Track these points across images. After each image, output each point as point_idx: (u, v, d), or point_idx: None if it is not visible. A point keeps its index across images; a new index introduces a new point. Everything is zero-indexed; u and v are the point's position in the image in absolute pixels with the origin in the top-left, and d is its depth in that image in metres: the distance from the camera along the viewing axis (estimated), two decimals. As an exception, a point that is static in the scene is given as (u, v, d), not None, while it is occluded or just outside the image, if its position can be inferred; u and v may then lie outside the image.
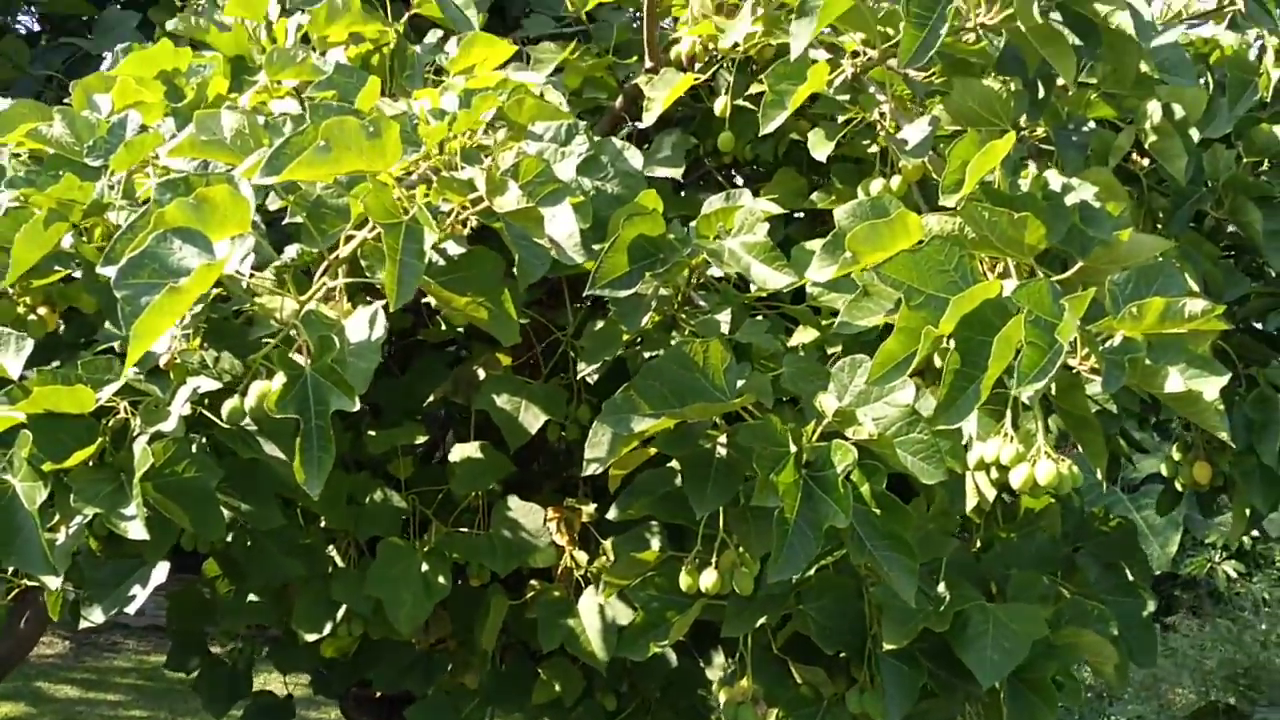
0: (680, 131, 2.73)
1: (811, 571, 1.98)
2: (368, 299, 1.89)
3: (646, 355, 2.14)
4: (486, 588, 2.77)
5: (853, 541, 1.67)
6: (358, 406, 1.50)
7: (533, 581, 2.73)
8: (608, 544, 2.76)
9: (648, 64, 2.66)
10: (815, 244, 2.06)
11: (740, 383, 1.75)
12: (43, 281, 1.82)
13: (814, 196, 2.63)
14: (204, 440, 2.22)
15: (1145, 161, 2.49)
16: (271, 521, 2.34)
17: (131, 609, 2.31)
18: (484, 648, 2.62)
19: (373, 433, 2.78)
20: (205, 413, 2.31)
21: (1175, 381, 1.57)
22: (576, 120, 1.77)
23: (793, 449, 1.66)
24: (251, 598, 2.74)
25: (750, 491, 1.83)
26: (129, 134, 1.77)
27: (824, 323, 2.25)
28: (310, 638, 2.68)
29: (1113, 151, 2.20)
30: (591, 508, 2.80)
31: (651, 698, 2.89)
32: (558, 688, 2.83)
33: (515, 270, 1.59)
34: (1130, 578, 2.44)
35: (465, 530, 2.67)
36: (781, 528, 1.62)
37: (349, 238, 1.65)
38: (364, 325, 1.54)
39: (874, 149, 2.52)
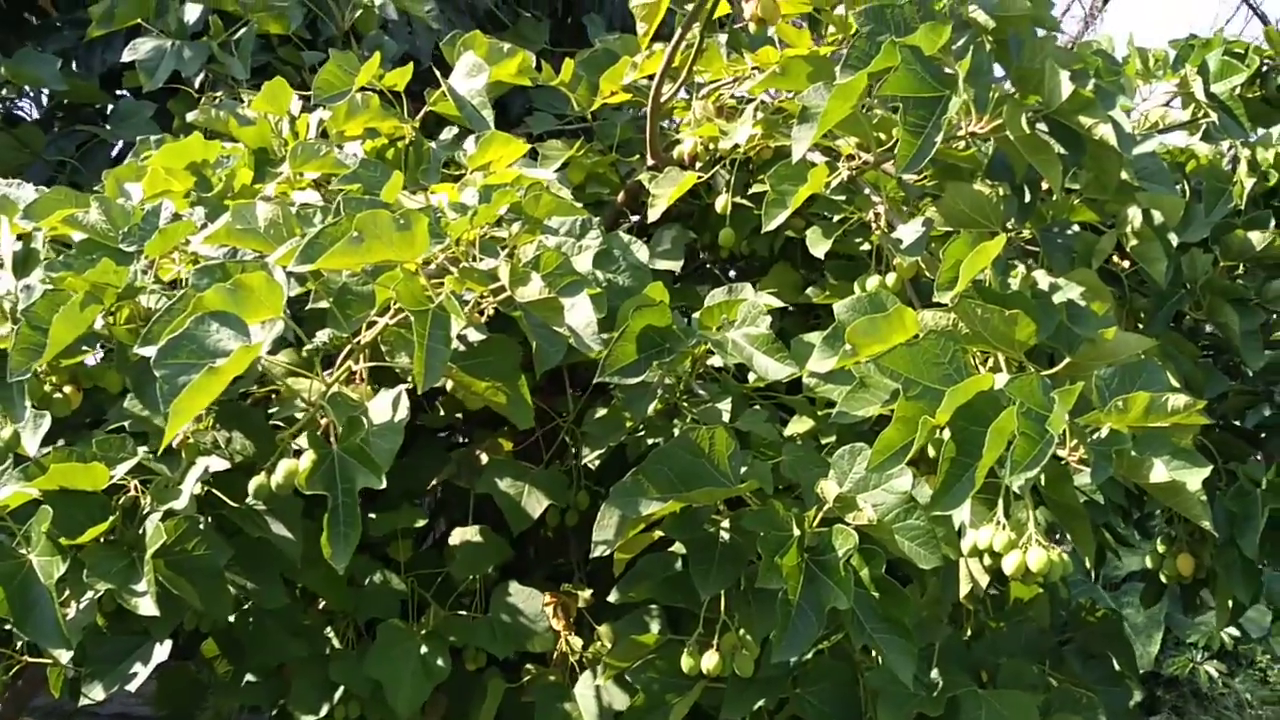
0: (680, 226, 2.83)
1: (809, 655, 2.03)
2: (376, 385, 1.96)
3: (650, 442, 2.22)
4: (482, 672, 2.79)
5: (853, 624, 1.73)
6: (384, 484, 1.55)
7: (528, 666, 2.75)
8: (602, 629, 2.80)
9: (649, 161, 2.77)
10: (813, 336, 2.15)
11: (744, 469, 1.81)
12: (70, 361, 1.89)
13: (809, 291, 2.72)
14: (209, 519, 2.27)
15: (1126, 264, 2.61)
16: (277, 601, 2.38)
17: (133, 686, 2.33)
18: (480, 732, 2.63)
19: (373, 515, 2.83)
20: (215, 491, 2.38)
21: (1160, 472, 1.64)
22: (590, 216, 1.86)
23: (796, 533, 1.72)
24: (249, 678, 2.75)
25: (752, 574, 1.89)
26: (162, 222, 1.86)
27: (820, 413, 2.34)
28: (306, 719, 2.69)
29: (1095, 254, 2.31)
30: (587, 593, 2.85)
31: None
32: (548, 771, 2.83)
33: (534, 357, 1.67)
34: (1116, 668, 2.49)
35: (464, 613, 2.71)
36: (785, 609, 1.68)
37: (371, 324, 1.73)
38: (388, 407, 1.60)
39: (866, 247, 2.63)
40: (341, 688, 2.71)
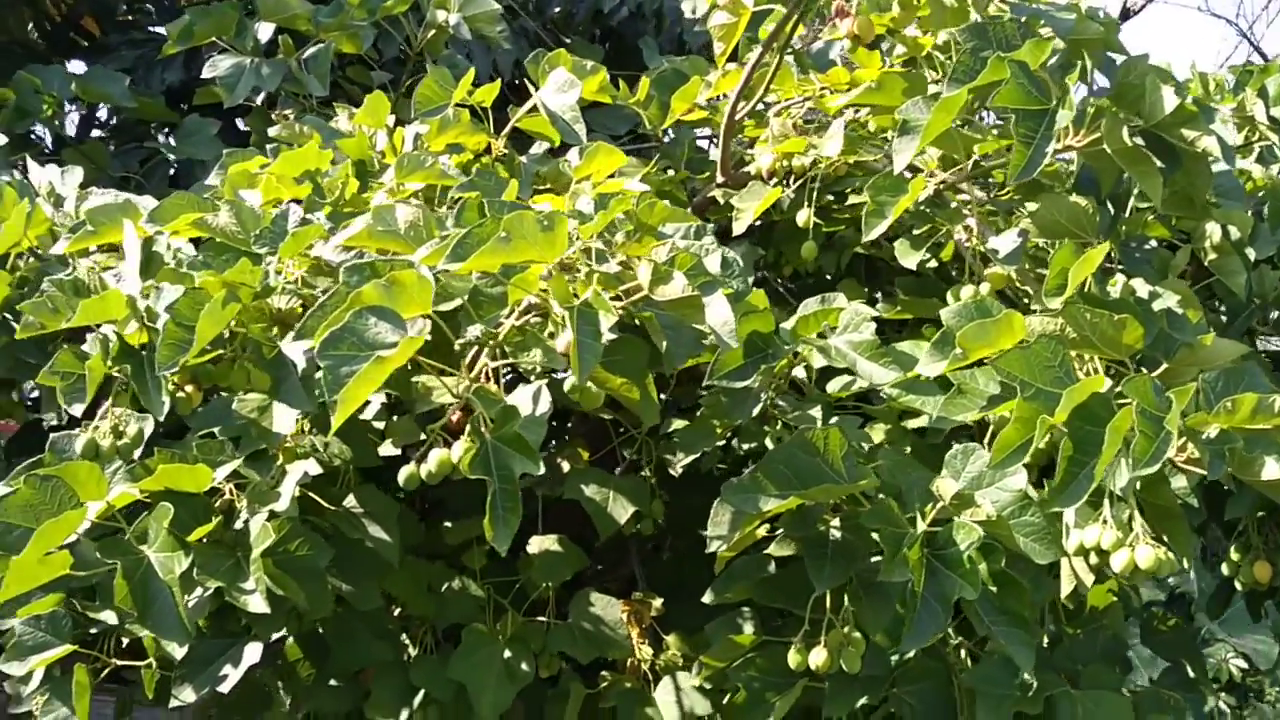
0: (749, 244, 2.90)
1: (910, 655, 2.08)
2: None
3: (744, 446, 2.27)
4: (554, 680, 2.83)
5: (975, 617, 1.78)
6: (541, 470, 1.61)
7: (604, 673, 2.80)
8: (671, 638, 2.85)
9: (719, 178, 2.84)
10: (904, 346, 2.22)
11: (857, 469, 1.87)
12: (197, 360, 1.94)
13: (879, 307, 2.79)
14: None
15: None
16: (372, 602, 2.43)
17: (225, 688, 2.36)
18: (562, 736, 2.67)
19: (448, 524, 2.88)
20: (310, 495, 2.42)
21: (1272, 469, 1.71)
22: (702, 223, 1.92)
23: (920, 528, 1.78)
24: (330, 682, 2.79)
25: (861, 571, 1.95)
26: (290, 225, 1.91)
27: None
28: (384, 725, 2.73)
29: (1171, 268, 2.38)
30: (658, 601, 2.90)
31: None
32: (618, 778, 2.87)
33: (663, 357, 1.73)
34: (1191, 674, 2.54)
35: (543, 620, 2.75)
36: (911, 602, 1.73)
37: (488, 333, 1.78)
38: (529, 401, 1.66)
39: (933, 263, 2.71)
40: (421, 693, 2.75)
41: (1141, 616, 2.63)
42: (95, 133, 4.14)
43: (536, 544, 2.77)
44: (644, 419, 1.90)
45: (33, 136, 3.53)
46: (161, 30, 3.84)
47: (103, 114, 4.22)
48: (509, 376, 1.98)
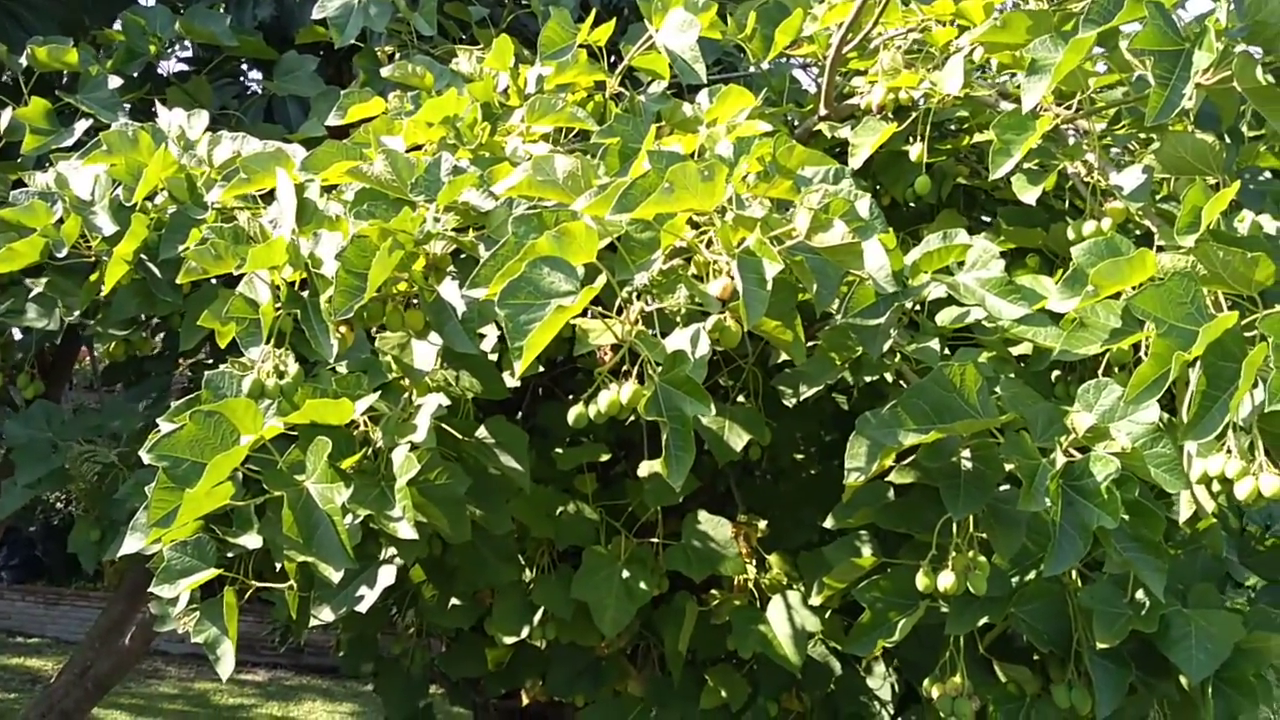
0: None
1: (1031, 576, 2.18)
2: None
3: (866, 379, 2.35)
4: (660, 599, 2.96)
5: (1109, 543, 1.87)
6: (713, 411, 1.70)
7: (713, 591, 2.93)
8: (773, 558, 2.97)
9: (822, 111, 2.89)
10: (1026, 279, 2.28)
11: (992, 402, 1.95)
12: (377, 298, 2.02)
13: (983, 235, 2.84)
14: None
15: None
16: (504, 526, 2.55)
17: (362, 608, 2.50)
18: (679, 650, 2.80)
19: (559, 451, 3.00)
20: (443, 426, 2.53)
21: (1404, 399, 1.77)
22: (840, 166, 1.98)
23: (1059, 460, 1.86)
24: (454, 602, 2.94)
25: (990, 499, 2.04)
26: (443, 173, 1.99)
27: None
28: (508, 640, 2.88)
29: (1285, 199, 2.42)
30: (763, 523, 3.01)
31: (815, 705, 3.07)
32: (724, 694, 3.01)
33: (814, 299, 1.81)
34: (1289, 592, 2.62)
35: (654, 540, 2.87)
36: (1052, 530, 1.82)
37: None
38: (688, 344, 1.74)
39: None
40: (540, 610, 2.89)
41: (1239, 537, 2.70)
42: (180, 67, 4.21)
43: (646, 468, 2.88)
44: (794, 358, 1.98)
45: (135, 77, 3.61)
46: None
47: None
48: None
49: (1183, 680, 2.23)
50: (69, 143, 3.05)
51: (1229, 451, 1.93)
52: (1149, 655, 2.23)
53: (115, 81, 3.17)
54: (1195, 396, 1.81)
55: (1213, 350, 1.82)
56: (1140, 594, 2.24)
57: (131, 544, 2.23)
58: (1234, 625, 2.18)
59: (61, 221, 2.57)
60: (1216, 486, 1.96)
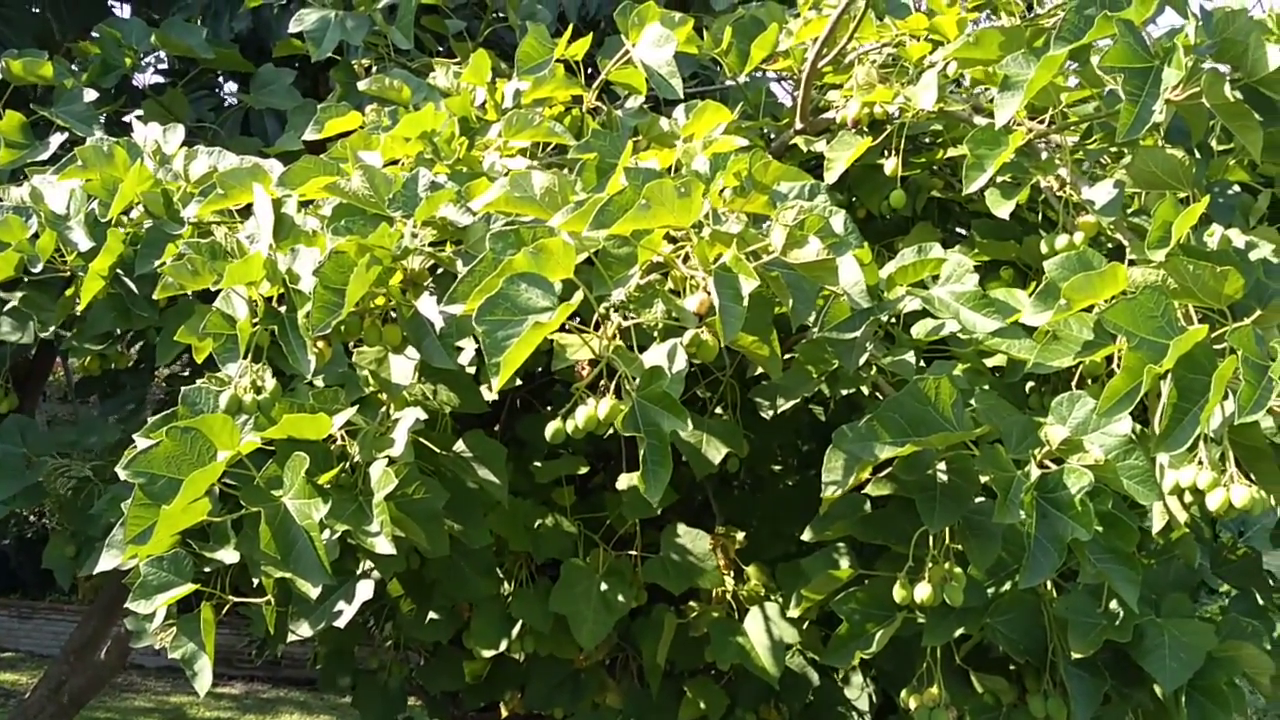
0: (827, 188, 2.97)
1: (1007, 587, 2.19)
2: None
3: (843, 392, 2.37)
4: (638, 611, 2.97)
5: (1083, 555, 1.89)
6: (690, 426, 1.71)
7: (691, 603, 2.93)
8: (751, 569, 2.98)
9: (797, 125, 2.91)
10: (1000, 293, 2.30)
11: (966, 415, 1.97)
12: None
13: (957, 249, 2.86)
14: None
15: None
16: (483, 540, 2.55)
17: (340, 623, 2.49)
18: (658, 662, 2.81)
19: (537, 464, 3.00)
20: (421, 440, 2.53)
21: (1374, 413, 1.80)
22: (816, 182, 2.00)
23: (1034, 473, 1.88)
24: (431, 616, 2.93)
25: (965, 511, 2.06)
26: (420, 189, 2.00)
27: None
28: (486, 653, 2.87)
29: (1253, 212, 2.45)
30: (740, 535, 3.02)
31: (793, 716, 3.08)
32: (702, 705, 3.02)
33: (790, 314, 1.82)
34: (1260, 602, 2.66)
35: (633, 553, 2.88)
36: (1026, 542, 1.84)
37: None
38: (665, 359, 1.75)
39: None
40: (519, 623, 2.89)
41: (1211, 547, 2.73)
42: (156, 79, 4.20)
43: (625, 480, 2.89)
44: (771, 373, 2.00)
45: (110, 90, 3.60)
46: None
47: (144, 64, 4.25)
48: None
49: (1157, 689, 2.26)
50: (44, 157, 3.04)
51: (1200, 463, 1.96)
52: (1123, 664, 2.25)
53: (91, 95, 3.16)
54: (1167, 409, 1.83)
55: (1183, 363, 1.84)
56: (1114, 604, 2.27)
57: (108, 560, 2.22)
58: (1207, 634, 2.20)
59: (37, 236, 2.56)
60: (1189, 497, 1.98)
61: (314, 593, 2.20)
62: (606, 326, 1.80)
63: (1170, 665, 2.14)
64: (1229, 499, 1.91)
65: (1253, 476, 2.08)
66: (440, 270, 2.06)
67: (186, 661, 2.33)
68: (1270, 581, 2.85)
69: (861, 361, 2.13)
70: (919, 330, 2.44)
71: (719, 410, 2.92)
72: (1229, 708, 2.17)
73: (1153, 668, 2.15)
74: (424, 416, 2.34)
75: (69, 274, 2.64)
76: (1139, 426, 2.06)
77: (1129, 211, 2.33)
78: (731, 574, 2.93)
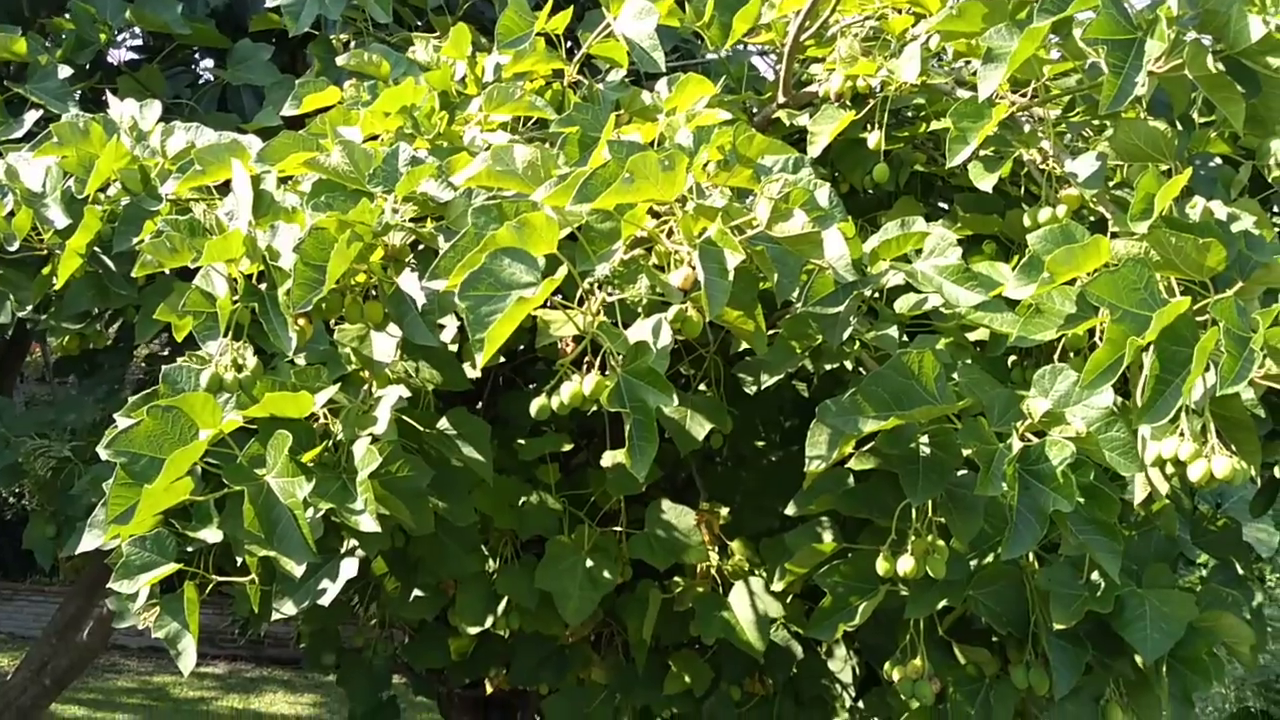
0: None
1: (989, 559, 2.21)
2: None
3: (826, 367, 2.37)
4: (624, 587, 2.97)
5: (1065, 526, 1.90)
6: (675, 403, 1.70)
7: (676, 578, 2.94)
8: (735, 544, 2.99)
9: (780, 98, 2.89)
10: (983, 266, 2.30)
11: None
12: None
13: (940, 222, 2.86)
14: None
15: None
16: (468, 518, 2.55)
17: (324, 601, 2.48)
18: (644, 637, 2.81)
19: (521, 441, 2.99)
20: (405, 419, 2.52)
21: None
22: (800, 155, 1.99)
23: (1016, 445, 1.88)
24: (416, 594, 2.93)
25: (948, 484, 2.06)
26: (401, 164, 1.98)
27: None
28: (472, 630, 2.88)
29: (1234, 184, 2.46)
30: (725, 511, 3.03)
31: (778, 688, 3.09)
32: (687, 679, 3.03)
33: (775, 289, 1.82)
34: (1240, 571, 2.68)
35: (618, 530, 2.88)
36: (1008, 515, 1.85)
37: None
38: (650, 334, 1.75)
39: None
40: (504, 600, 2.89)
41: (1191, 518, 2.75)
42: (130, 56, 4.15)
43: (610, 458, 2.88)
44: (756, 348, 1.99)
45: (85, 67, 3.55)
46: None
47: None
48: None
49: (1138, 659, 2.28)
50: (19, 134, 3.01)
51: (1182, 434, 1.97)
52: (1105, 635, 2.27)
53: (65, 71, 3.12)
54: (1149, 381, 1.84)
55: (1166, 335, 1.85)
56: (1096, 575, 2.28)
57: (89, 541, 2.21)
58: (1187, 605, 2.22)
59: (12, 214, 2.53)
60: (1170, 469, 1.99)
61: (298, 571, 2.19)
62: (590, 302, 1.79)
63: (1151, 636, 2.16)
64: (1210, 470, 1.92)
65: (1233, 447, 2.09)
66: (421, 247, 2.05)
67: (170, 641, 2.32)
68: (1250, 552, 2.87)
69: (845, 336, 2.12)
70: (902, 304, 2.44)
71: (703, 386, 2.92)
72: (1209, 677, 2.19)
73: (1134, 638, 2.16)
74: (407, 394, 2.33)
75: (46, 252, 2.61)
76: (1121, 399, 2.07)
77: (1111, 184, 2.34)
78: (716, 549, 2.94)
